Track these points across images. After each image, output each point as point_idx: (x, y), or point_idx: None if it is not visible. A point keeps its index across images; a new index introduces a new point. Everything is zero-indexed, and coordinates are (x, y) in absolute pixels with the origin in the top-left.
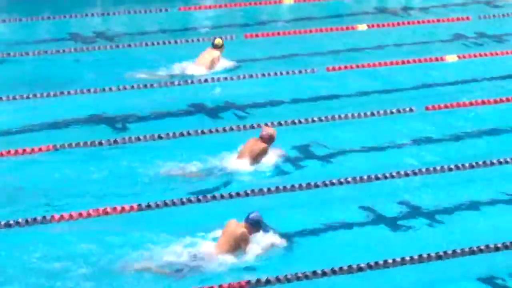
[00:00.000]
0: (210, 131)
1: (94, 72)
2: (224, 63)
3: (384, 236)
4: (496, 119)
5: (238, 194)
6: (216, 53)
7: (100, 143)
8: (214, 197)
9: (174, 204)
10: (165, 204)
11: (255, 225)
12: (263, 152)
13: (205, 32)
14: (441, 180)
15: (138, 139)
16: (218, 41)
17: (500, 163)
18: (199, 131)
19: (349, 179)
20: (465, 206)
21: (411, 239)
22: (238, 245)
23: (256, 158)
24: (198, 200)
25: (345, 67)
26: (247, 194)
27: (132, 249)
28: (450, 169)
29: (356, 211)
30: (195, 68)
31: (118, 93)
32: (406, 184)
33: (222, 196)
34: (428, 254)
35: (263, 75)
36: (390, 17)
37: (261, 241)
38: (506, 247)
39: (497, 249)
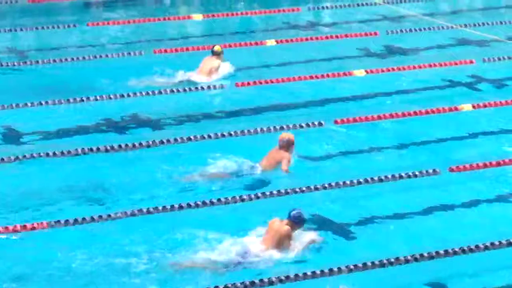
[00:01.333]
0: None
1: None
2: (226, 69)
3: None
4: (403, 132)
5: (278, 192)
6: (216, 61)
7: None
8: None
9: (213, 203)
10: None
11: (298, 221)
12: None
13: (116, 48)
14: (347, 193)
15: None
16: (217, 48)
17: (409, 176)
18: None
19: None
20: (369, 219)
21: None
22: (282, 242)
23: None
24: (242, 199)
25: (254, 83)
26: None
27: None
28: (359, 182)
29: None
30: (197, 76)
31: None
32: (310, 197)
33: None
34: None
35: (172, 91)
36: (299, 33)
37: (302, 237)
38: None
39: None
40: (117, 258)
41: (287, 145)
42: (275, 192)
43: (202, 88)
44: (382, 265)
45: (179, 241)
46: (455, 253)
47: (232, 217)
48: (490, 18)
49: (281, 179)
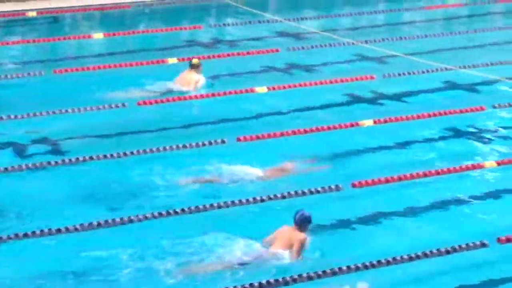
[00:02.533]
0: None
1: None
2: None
3: None
4: (307, 149)
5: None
6: (195, 75)
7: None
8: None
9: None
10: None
11: (307, 223)
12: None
13: (13, 68)
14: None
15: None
16: (195, 61)
17: (311, 192)
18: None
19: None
20: None
21: None
22: (299, 249)
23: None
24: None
25: (156, 101)
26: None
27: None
28: (262, 200)
29: None
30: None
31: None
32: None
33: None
34: None
35: (73, 110)
36: (201, 50)
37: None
38: None
39: None
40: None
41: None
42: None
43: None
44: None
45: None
46: (357, 268)
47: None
48: (389, 34)
49: None
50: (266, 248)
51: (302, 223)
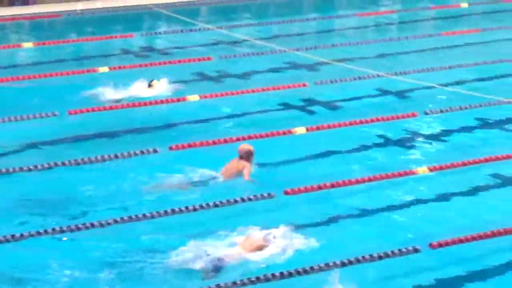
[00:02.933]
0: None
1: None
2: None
3: None
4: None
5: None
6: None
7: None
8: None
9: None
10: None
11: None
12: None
13: None
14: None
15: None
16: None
17: (243, 200)
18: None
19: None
20: None
21: None
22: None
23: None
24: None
25: (87, 110)
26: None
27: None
28: (195, 209)
29: None
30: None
31: None
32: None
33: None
34: None
35: (3, 120)
36: (132, 59)
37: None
38: None
39: None
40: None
41: (247, 156)
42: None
43: None
44: None
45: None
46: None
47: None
48: (321, 41)
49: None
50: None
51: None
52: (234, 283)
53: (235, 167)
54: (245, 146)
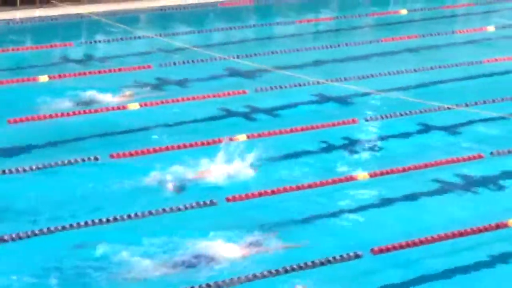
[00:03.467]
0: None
1: None
2: None
3: None
4: (180, 164)
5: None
6: None
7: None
8: None
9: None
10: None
11: None
12: None
13: None
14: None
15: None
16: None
17: (186, 208)
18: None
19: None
20: None
21: None
22: None
23: None
24: None
25: (27, 119)
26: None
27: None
28: (129, 217)
29: None
30: None
31: None
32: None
33: None
34: None
35: None
36: (72, 67)
37: None
38: None
39: None
40: None
41: None
42: None
43: None
44: None
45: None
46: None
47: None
48: (261, 48)
49: None
50: None
51: None
52: None
53: None
54: None
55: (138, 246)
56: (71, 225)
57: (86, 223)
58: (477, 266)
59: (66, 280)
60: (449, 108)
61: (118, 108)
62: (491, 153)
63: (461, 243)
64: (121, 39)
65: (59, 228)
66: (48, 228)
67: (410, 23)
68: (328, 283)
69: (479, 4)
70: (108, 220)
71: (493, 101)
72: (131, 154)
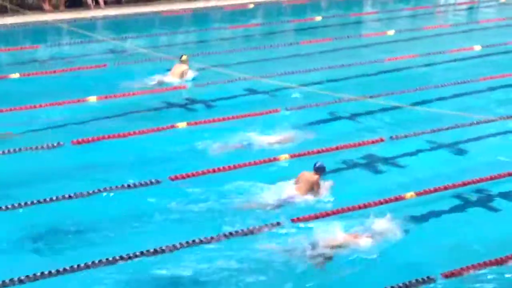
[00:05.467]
0: None
1: None
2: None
3: None
4: (131, 149)
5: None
6: (184, 66)
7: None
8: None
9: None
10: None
11: (322, 170)
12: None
13: None
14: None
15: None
16: (184, 57)
17: (135, 185)
18: None
19: None
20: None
21: None
22: (312, 188)
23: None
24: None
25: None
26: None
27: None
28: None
29: None
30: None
31: None
32: None
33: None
34: None
35: None
36: (39, 67)
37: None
38: None
39: None
40: None
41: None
42: None
43: None
44: None
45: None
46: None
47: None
48: (199, 49)
49: None
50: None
51: (318, 169)
52: None
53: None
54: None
55: None
56: None
57: None
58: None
59: None
60: (356, 99)
61: (78, 101)
62: (391, 137)
63: (365, 212)
64: (81, 42)
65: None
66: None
67: (324, 28)
68: None
69: (381, 12)
70: None
71: (392, 93)
72: (93, 140)
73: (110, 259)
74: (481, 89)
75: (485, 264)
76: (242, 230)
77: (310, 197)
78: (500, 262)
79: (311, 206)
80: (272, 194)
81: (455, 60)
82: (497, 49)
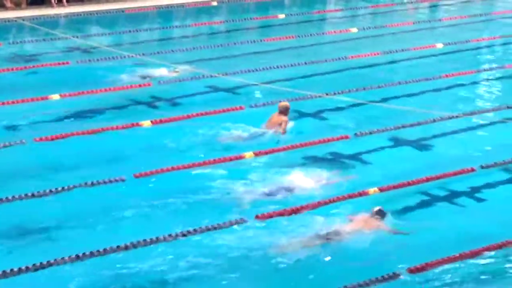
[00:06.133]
0: None
1: None
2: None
3: None
4: (95, 146)
5: None
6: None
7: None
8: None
9: None
10: None
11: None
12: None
13: None
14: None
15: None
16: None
17: (93, 184)
18: None
19: None
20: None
21: None
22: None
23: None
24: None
25: None
26: None
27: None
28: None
29: None
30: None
31: None
32: None
33: None
34: None
35: None
36: (3, 64)
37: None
38: None
39: None
40: None
41: (286, 110)
42: None
43: None
44: None
45: None
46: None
47: None
48: (162, 47)
49: None
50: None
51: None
52: None
53: (276, 120)
54: (284, 103)
55: None
56: None
57: None
58: None
59: None
60: (320, 96)
61: (42, 98)
62: (355, 133)
63: (334, 207)
64: (44, 40)
65: None
66: None
67: (287, 25)
68: None
69: (344, 9)
70: None
71: (356, 90)
72: (56, 138)
73: (74, 256)
74: (444, 86)
75: (449, 259)
76: (207, 226)
77: (275, 194)
78: (464, 256)
79: (275, 201)
80: (236, 191)
81: (417, 58)
82: (459, 46)
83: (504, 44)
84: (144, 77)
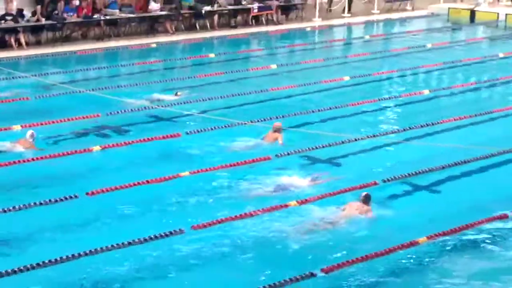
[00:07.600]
0: None
1: None
2: None
3: None
4: (54, 169)
5: None
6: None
7: None
8: None
9: None
10: None
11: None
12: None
13: None
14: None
15: None
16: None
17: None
18: None
19: None
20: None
21: None
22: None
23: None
24: None
25: None
26: None
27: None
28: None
29: None
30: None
31: None
32: None
33: None
34: None
35: None
36: None
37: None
38: None
39: None
40: None
41: (279, 129)
42: None
43: None
44: None
45: None
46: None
47: None
48: (109, 83)
49: None
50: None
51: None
52: None
53: (272, 137)
54: (278, 123)
55: None
56: None
57: None
58: None
59: None
60: (245, 124)
61: (5, 129)
62: (276, 155)
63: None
64: (6, 78)
65: None
66: None
67: (217, 63)
68: None
69: (264, 49)
70: None
71: (277, 117)
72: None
73: (41, 263)
74: (351, 112)
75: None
76: (145, 238)
77: None
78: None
79: (210, 207)
80: (173, 208)
81: (328, 89)
82: (364, 79)
83: (401, 76)
84: (93, 110)
